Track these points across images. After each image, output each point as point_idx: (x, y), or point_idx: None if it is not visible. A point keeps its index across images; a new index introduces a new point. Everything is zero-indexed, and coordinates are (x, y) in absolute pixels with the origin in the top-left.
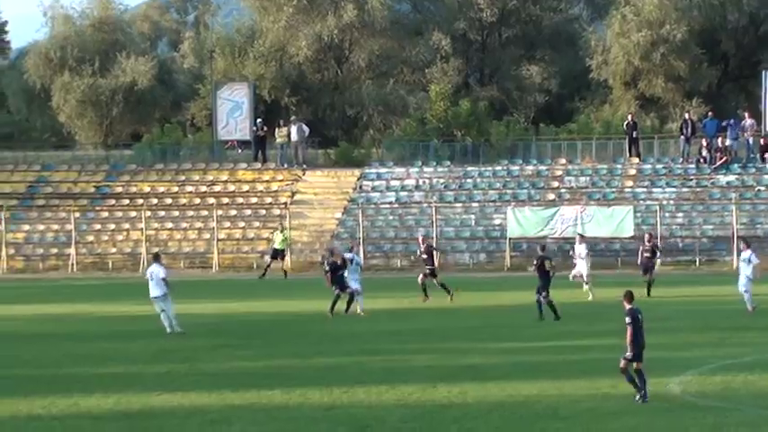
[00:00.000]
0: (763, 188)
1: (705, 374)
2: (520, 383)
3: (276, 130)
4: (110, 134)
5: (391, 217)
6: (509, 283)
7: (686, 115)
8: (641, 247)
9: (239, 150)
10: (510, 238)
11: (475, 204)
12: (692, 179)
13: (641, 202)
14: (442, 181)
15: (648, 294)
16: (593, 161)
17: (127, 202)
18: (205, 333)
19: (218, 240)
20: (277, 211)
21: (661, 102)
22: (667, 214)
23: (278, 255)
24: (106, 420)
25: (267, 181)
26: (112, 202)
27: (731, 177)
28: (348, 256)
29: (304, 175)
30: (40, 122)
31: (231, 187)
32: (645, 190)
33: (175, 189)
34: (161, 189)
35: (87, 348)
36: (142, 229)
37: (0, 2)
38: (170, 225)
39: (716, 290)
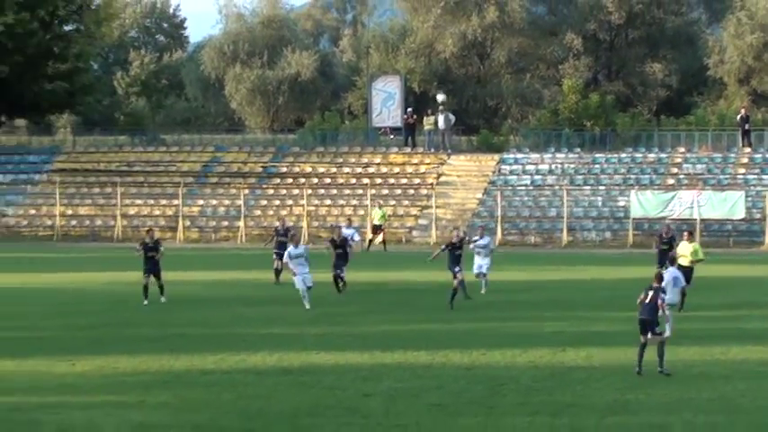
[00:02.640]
0: None
1: None
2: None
3: (425, 118)
4: (276, 120)
5: (526, 198)
6: (632, 259)
7: None
8: (658, 240)
9: (391, 136)
10: (633, 219)
11: (602, 188)
12: None
13: (752, 187)
14: (572, 166)
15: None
16: (709, 150)
17: (290, 181)
18: (359, 299)
19: (371, 216)
20: (424, 192)
21: None
22: None
23: (377, 229)
24: (269, 375)
25: (416, 164)
26: (277, 180)
27: None
28: (347, 232)
29: (449, 159)
30: (214, 109)
31: (383, 169)
32: (756, 177)
33: (333, 170)
34: (321, 170)
35: (254, 311)
36: (303, 205)
37: (179, 0)
38: (328, 202)
39: None
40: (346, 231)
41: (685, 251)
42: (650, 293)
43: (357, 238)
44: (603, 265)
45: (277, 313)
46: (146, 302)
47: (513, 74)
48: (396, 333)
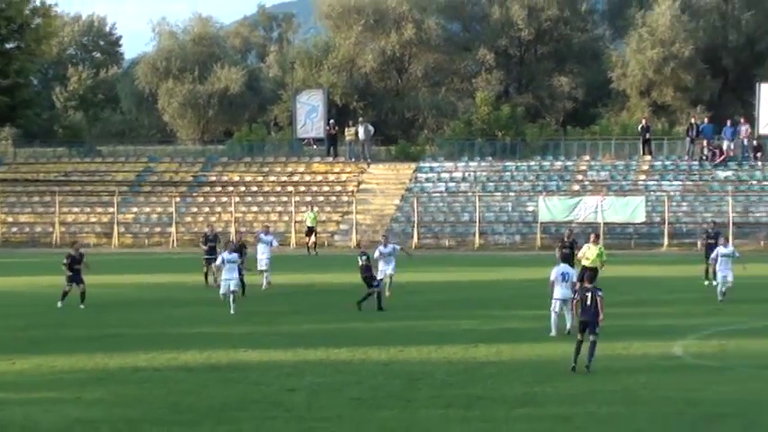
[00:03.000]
0: (755, 182)
1: (703, 339)
2: (548, 345)
3: (346, 129)
4: (206, 131)
5: (441, 204)
6: (540, 260)
7: (691, 120)
8: (704, 235)
9: (314, 146)
10: (541, 223)
11: (512, 194)
12: (695, 174)
13: (652, 193)
14: (484, 174)
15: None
16: (612, 158)
17: (219, 189)
18: (284, 300)
19: (296, 222)
20: (345, 198)
21: (670, 108)
22: (674, 204)
23: (311, 231)
24: (199, 372)
25: (337, 173)
26: (207, 189)
27: (728, 173)
28: (266, 239)
29: (368, 167)
30: (148, 122)
31: (307, 177)
32: (655, 183)
33: (260, 179)
34: (248, 178)
35: (184, 312)
36: (231, 212)
37: (115, 19)
38: (255, 209)
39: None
40: (265, 239)
41: (591, 253)
42: (588, 295)
43: (275, 243)
44: (513, 267)
45: (206, 314)
46: (60, 305)
47: (429, 87)
48: (318, 331)
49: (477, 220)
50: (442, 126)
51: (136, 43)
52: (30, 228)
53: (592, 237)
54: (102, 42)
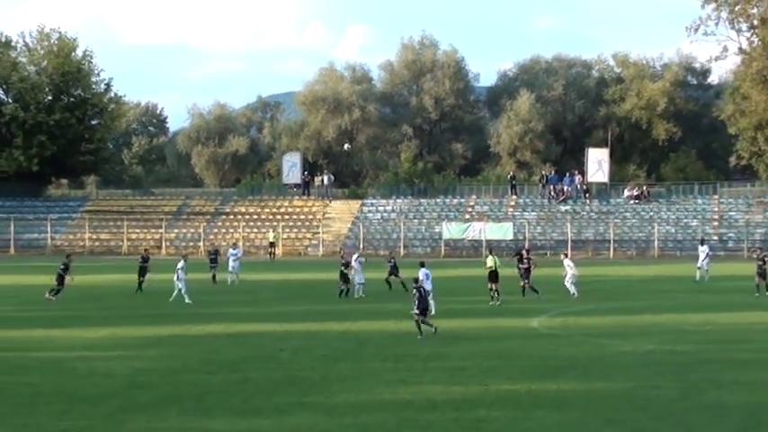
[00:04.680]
0: (585, 213)
1: (552, 317)
2: (450, 320)
3: (315, 177)
4: (223, 179)
5: (378, 227)
6: (443, 264)
7: (543, 172)
8: (757, 261)
9: (294, 189)
10: (444, 239)
11: (424, 221)
12: (545, 208)
13: (517, 220)
14: (406, 207)
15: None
16: (491, 197)
17: (232, 217)
18: (270, 291)
19: (283, 239)
20: (315, 223)
21: (528, 164)
22: (531, 227)
23: (272, 245)
24: (219, 338)
25: (310, 206)
26: (224, 217)
27: (567, 207)
28: (233, 252)
29: (330, 203)
30: (185, 172)
31: (290, 210)
32: (519, 213)
33: (259, 210)
34: (251, 210)
35: (207, 298)
36: (240, 232)
37: (163, 104)
38: (255, 230)
39: (558, 271)
40: (232, 252)
41: (491, 261)
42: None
43: (240, 254)
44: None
45: (220, 300)
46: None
47: (370, 150)
48: (297, 311)
49: (402, 238)
50: (379, 176)
51: (176, 120)
52: (107, 242)
53: (486, 252)
54: (154, 120)
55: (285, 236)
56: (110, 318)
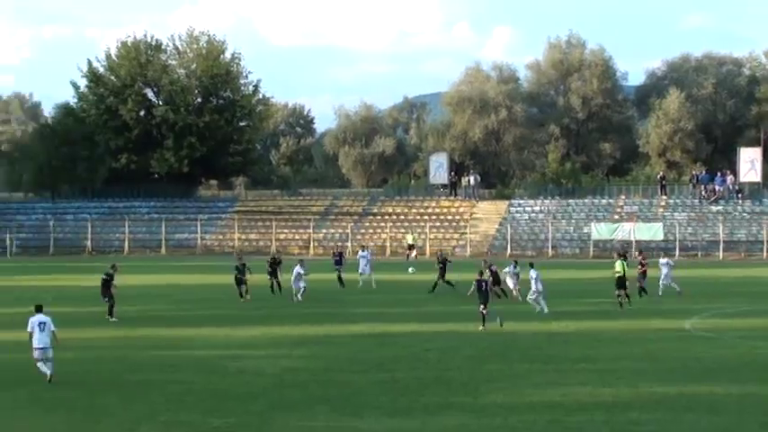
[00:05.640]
0: (737, 213)
1: (705, 318)
2: (597, 321)
3: (462, 178)
4: (370, 179)
5: (525, 228)
6: (592, 265)
7: (693, 172)
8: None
9: (441, 189)
10: (593, 240)
11: (573, 221)
12: (696, 208)
13: (667, 220)
14: (554, 208)
15: None
16: (640, 197)
17: (379, 217)
18: (417, 291)
19: (429, 239)
20: (462, 224)
21: (679, 164)
22: (682, 228)
23: (411, 248)
24: (364, 338)
25: (456, 207)
26: (371, 217)
27: (719, 207)
28: (363, 254)
29: (477, 204)
30: (332, 173)
31: (437, 210)
32: (669, 213)
33: (406, 210)
34: (398, 210)
35: (350, 298)
36: (387, 233)
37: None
38: (402, 231)
39: (711, 272)
40: (361, 254)
41: (618, 266)
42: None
43: (369, 255)
44: (575, 269)
45: (362, 299)
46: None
47: (517, 150)
48: (443, 312)
49: (550, 238)
50: (525, 176)
51: (323, 121)
52: (256, 242)
53: (615, 254)
54: (301, 121)
55: (432, 236)
56: (259, 317)
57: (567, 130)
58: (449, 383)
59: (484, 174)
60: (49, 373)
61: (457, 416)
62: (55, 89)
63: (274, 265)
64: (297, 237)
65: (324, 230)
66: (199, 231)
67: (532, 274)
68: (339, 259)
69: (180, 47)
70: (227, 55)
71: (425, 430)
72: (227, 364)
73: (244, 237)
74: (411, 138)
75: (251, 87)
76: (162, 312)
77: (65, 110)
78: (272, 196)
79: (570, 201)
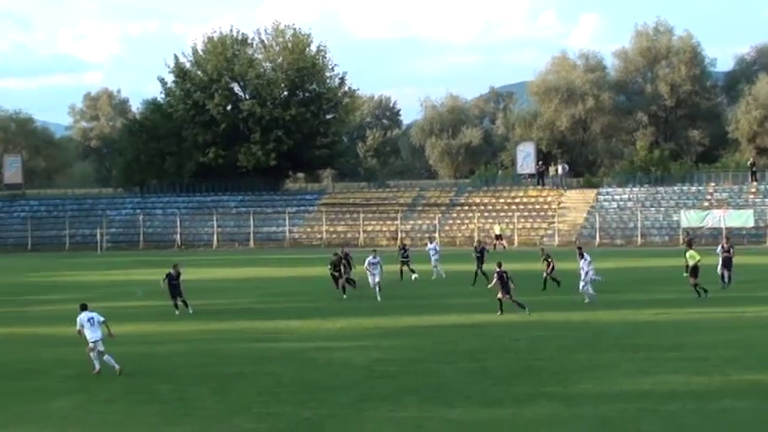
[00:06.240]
0: None
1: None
2: (690, 310)
3: (550, 167)
4: (457, 170)
5: (614, 216)
6: (682, 253)
7: None
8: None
9: (529, 179)
10: (682, 228)
11: (662, 209)
12: None
13: (758, 207)
14: (643, 196)
15: None
16: (730, 184)
17: (467, 208)
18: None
19: (517, 229)
20: (550, 213)
21: None
22: None
23: (499, 238)
24: (455, 328)
25: (544, 196)
26: (458, 208)
27: None
28: (430, 246)
29: (565, 193)
30: (419, 164)
31: (524, 200)
32: (760, 200)
33: (493, 201)
34: (485, 201)
35: (444, 289)
36: (475, 223)
37: (396, 98)
38: (490, 221)
39: None
40: (429, 246)
41: (690, 255)
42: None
43: (437, 247)
44: (664, 257)
45: (451, 290)
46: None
47: (604, 139)
48: (533, 301)
49: (639, 227)
50: (614, 165)
51: (409, 113)
52: (344, 234)
53: (686, 244)
54: (387, 113)
55: (520, 226)
56: (348, 309)
57: (656, 117)
58: (539, 373)
59: (571, 163)
60: (117, 367)
61: (547, 405)
62: (142, 85)
63: (405, 253)
64: (384, 228)
65: (411, 222)
66: (287, 224)
67: (587, 257)
68: (405, 252)
69: (266, 41)
70: (313, 48)
71: (516, 420)
72: (316, 356)
73: (331, 229)
74: (498, 128)
75: (337, 80)
76: (251, 305)
77: (152, 105)
78: (359, 188)
79: (659, 188)
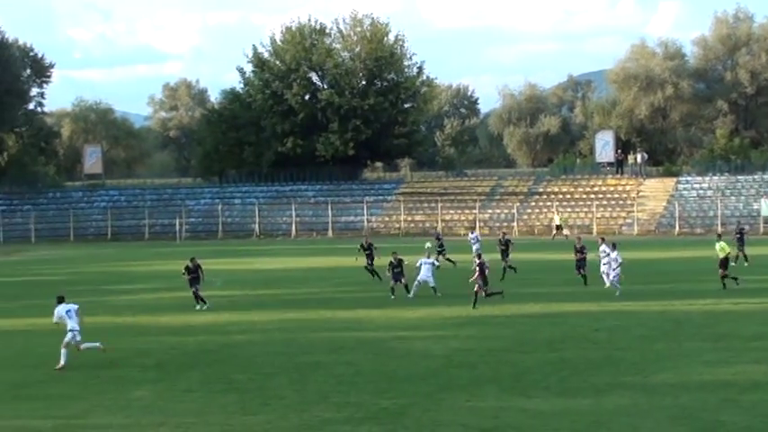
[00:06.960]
0: None
1: None
2: None
3: (629, 156)
4: (535, 159)
5: (694, 205)
6: (762, 242)
7: None
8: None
9: (607, 168)
10: (763, 217)
11: (742, 197)
12: None
13: None
14: (723, 184)
15: None
16: None
17: (545, 197)
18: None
19: (596, 218)
20: (629, 202)
21: None
22: None
23: (559, 228)
24: (534, 318)
25: (623, 185)
26: (537, 197)
27: None
28: (471, 236)
29: (644, 181)
30: (497, 153)
31: (603, 189)
32: None
33: (572, 190)
34: (564, 190)
35: (525, 278)
36: (554, 212)
37: (474, 86)
38: (569, 210)
39: None
40: (471, 236)
41: (720, 247)
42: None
43: (478, 236)
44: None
45: (534, 279)
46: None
47: (684, 127)
48: (610, 291)
49: (719, 215)
50: (693, 153)
51: (487, 102)
52: (421, 223)
53: (717, 236)
54: (465, 102)
55: (599, 215)
56: (425, 299)
57: (736, 105)
58: (618, 363)
59: (651, 151)
60: (99, 345)
61: (627, 395)
62: (221, 75)
63: (440, 244)
64: (462, 218)
65: (489, 211)
66: (365, 213)
67: (611, 251)
68: (440, 243)
69: (344, 30)
70: (391, 37)
71: (595, 410)
72: (394, 346)
73: (410, 218)
74: (576, 116)
75: (415, 69)
76: (330, 294)
77: (231, 95)
78: (437, 177)
79: (740, 177)
